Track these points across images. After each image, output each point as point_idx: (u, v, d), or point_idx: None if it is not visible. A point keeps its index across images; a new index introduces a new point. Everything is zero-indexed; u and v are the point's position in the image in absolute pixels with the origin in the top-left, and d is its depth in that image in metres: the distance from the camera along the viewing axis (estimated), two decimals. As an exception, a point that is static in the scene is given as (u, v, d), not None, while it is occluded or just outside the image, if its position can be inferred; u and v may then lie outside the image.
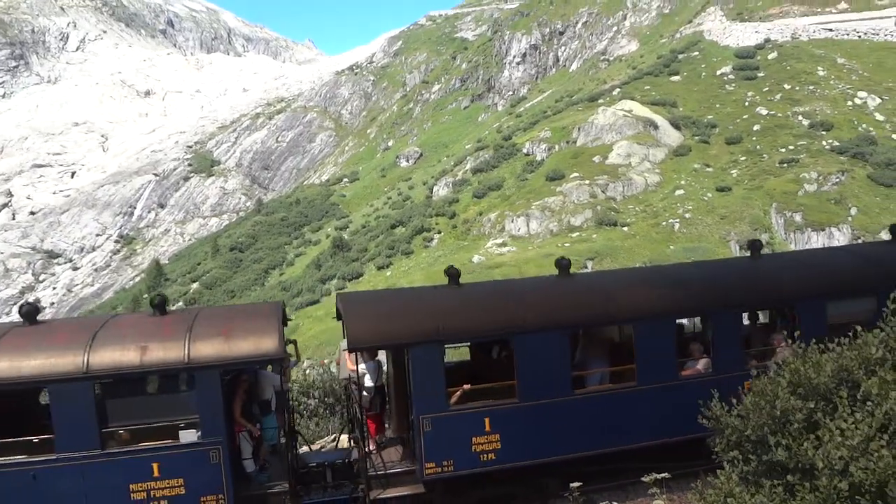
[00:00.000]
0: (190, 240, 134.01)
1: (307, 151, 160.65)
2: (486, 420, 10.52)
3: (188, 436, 9.69)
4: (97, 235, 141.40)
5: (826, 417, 6.04)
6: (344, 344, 12.19)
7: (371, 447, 11.00)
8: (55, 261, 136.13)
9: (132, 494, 9.40)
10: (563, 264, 12.07)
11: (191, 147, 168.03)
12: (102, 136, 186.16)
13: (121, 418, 9.64)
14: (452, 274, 11.63)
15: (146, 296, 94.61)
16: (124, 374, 9.57)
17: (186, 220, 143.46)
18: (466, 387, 10.75)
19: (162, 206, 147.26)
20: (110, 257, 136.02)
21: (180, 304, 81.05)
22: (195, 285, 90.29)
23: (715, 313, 11.53)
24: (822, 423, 6.01)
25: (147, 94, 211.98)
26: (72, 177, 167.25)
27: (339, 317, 12.15)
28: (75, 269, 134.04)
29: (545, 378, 10.69)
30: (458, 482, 10.63)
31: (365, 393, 11.62)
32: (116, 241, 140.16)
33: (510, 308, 11.04)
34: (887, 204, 53.55)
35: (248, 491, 10.19)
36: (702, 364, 11.42)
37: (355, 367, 11.52)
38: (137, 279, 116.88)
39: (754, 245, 12.98)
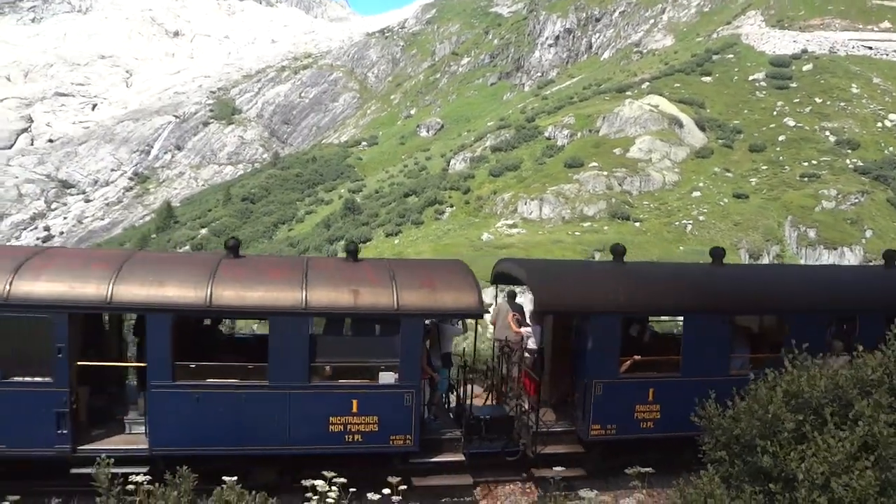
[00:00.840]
0: (203, 185, 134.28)
1: (329, 110, 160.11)
2: (651, 391, 11.21)
3: (387, 377, 10.29)
4: (112, 170, 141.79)
5: (814, 431, 6.10)
6: (503, 307, 12.91)
7: (528, 406, 11.49)
8: (68, 191, 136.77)
9: (330, 426, 10.09)
10: (717, 253, 12.89)
11: (214, 93, 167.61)
12: (127, 71, 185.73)
13: (327, 354, 10.29)
14: (619, 251, 12.32)
15: (154, 236, 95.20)
16: (339, 314, 10.35)
17: (202, 166, 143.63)
18: (637, 357, 11.32)
19: (179, 149, 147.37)
20: (123, 193, 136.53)
21: (187, 248, 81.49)
22: (204, 231, 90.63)
23: (862, 314, 12.12)
24: (810, 436, 6.08)
25: (176, 34, 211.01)
26: (93, 109, 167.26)
27: (496, 280, 12.97)
28: (87, 201, 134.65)
29: (707, 356, 11.31)
30: (614, 446, 11.23)
31: (527, 354, 12.06)
32: (130, 179, 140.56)
33: (682, 289, 11.83)
34: (903, 230, 53.16)
35: (426, 435, 10.72)
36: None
37: (519, 330, 12.07)
38: (147, 218, 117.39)
39: (892, 255, 13.74)
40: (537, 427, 11.01)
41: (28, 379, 9.46)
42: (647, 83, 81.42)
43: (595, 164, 63.73)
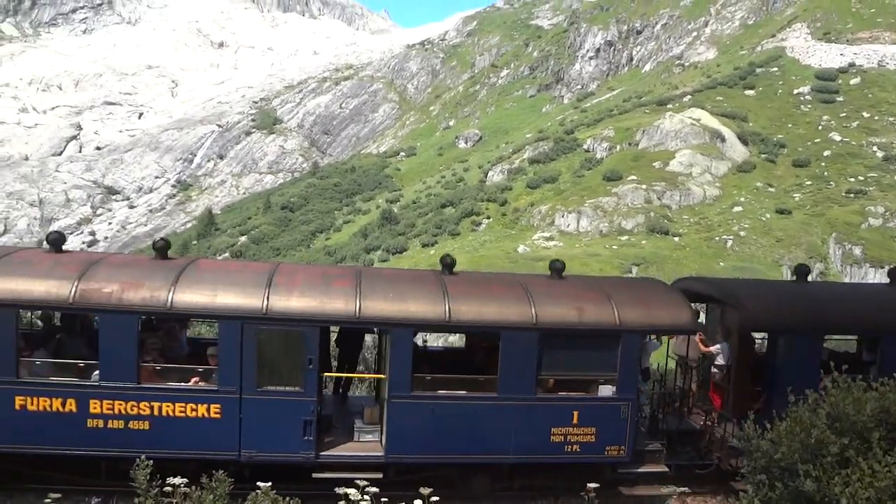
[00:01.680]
0: (244, 193, 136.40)
1: (368, 121, 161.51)
2: None
3: (606, 390, 10.72)
4: (156, 178, 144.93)
5: (859, 456, 5.92)
6: None
7: (715, 420, 11.85)
8: (114, 197, 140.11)
9: (552, 437, 10.58)
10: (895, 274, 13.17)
11: (256, 103, 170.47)
12: (173, 81, 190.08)
13: (551, 368, 10.71)
14: (803, 271, 12.89)
15: (195, 242, 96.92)
16: (566, 329, 10.64)
17: (243, 174, 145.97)
18: (835, 374, 11.47)
19: (221, 157, 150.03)
20: (166, 200, 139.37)
21: (226, 255, 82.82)
22: (243, 238, 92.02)
23: None
24: (855, 460, 5.89)
25: (220, 45, 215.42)
26: (139, 117, 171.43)
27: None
28: (131, 207, 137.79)
29: None
30: None
31: (715, 370, 12.40)
32: (173, 186, 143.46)
33: (879, 308, 12.16)
34: (954, 249, 51.44)
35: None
36: None
37: (709, 348, 12.44)
38: (189, 225, 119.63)
39: None
40: (738, 441, 11.19)
41: (281, 388, 10.05)
42: (689, 96, 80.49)
43: (634, 177, 63.12)
